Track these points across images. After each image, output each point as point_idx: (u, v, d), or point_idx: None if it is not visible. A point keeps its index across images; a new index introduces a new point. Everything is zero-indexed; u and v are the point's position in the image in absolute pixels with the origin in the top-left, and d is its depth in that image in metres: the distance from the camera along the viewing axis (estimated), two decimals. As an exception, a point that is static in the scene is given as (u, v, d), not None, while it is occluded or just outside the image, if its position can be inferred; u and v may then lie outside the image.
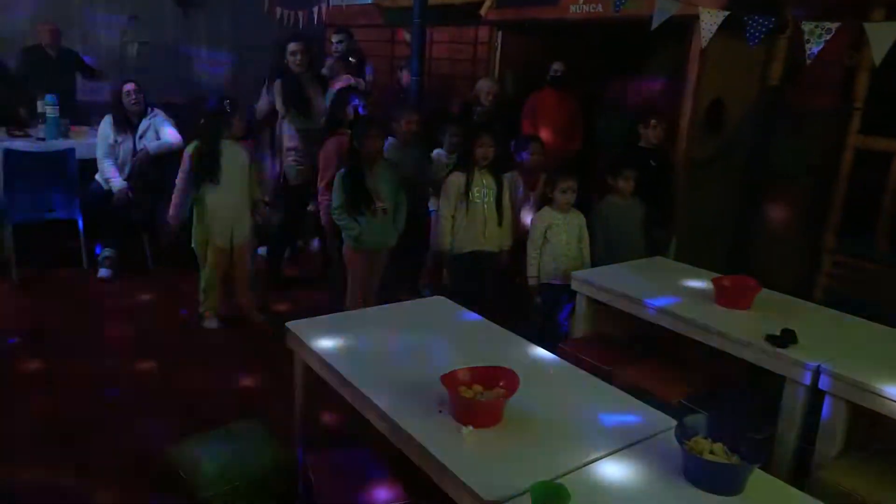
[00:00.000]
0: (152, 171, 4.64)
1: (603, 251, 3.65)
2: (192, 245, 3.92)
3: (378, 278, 3.63)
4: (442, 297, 2.81)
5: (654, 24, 3.25)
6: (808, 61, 3.07)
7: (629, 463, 1.69)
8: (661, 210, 3.91)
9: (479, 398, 1.84)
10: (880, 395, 2.09)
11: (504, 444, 1.74)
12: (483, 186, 3.53)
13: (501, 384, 1.87)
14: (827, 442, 2.26)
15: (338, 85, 4.74)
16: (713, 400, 2.55)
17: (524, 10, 4.79)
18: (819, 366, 2.26)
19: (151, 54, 6.90)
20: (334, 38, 5.30)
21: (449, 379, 1.85)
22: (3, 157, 4.47)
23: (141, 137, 4.60)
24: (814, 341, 2.41)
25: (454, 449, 1.70)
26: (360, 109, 3.77)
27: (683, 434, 1.65)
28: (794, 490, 1.66)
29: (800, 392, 2.33)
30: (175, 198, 3.82)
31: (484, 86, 4.83)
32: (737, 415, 2.41)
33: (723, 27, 3.60)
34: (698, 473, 1.59)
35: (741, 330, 2.54)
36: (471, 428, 1.77)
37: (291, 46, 4.64)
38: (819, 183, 4.13)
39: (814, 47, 3.07)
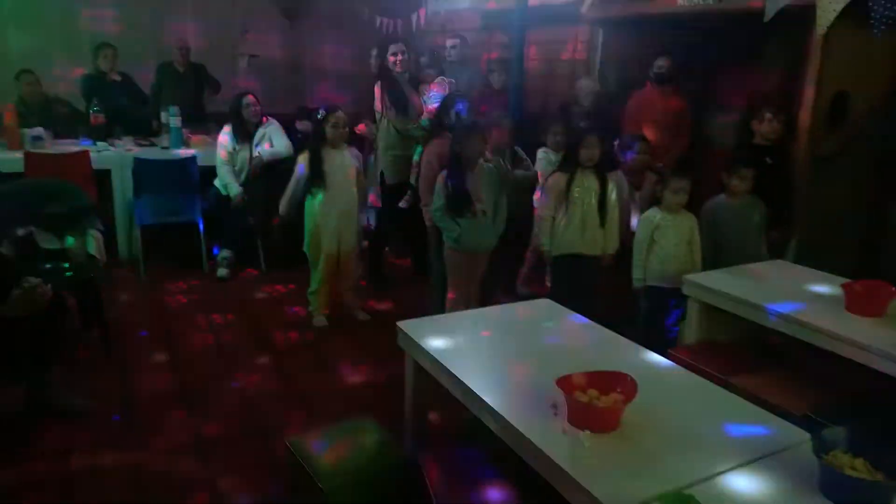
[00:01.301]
0: (266, 177, 4.88)
1: (710, 254, 3.50)
2: (304, 249, 4.09)
3: (478, 280, 3.65)
4: (548, 300, 2.79)
5: (768, 16, 3.09)
6: None
7: (760, 476, 1.60)
8: (778, 210, 3.70)
9: (596, 403, 1.81)
10: None
11: (622, 451, 1.70)
12: (585, 188, 3.48)
13: (619, 390, 1.83)
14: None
15: (434, 88, 4.81)
16: (842, 414, 2.38)
17: (629, 6, 4.67)
18: (968, 380, 2.07)
19: (261, 66, 7.25)
20: (449, 43, 5.38)
21: (565, 383, 1.83)
22: (133, 165, 4.84)
23: (257, 146, 4.85)
24: (962, 353, 2.21)
25: (571, 453, 1.68)
26: (463, 113, 3.79)
27: (822, 447, 1.55)
28: (949, 514, 1.53)
29: (945, 408, 2.14)
30: (285, 196, 4.00)
31: (584, 85, 4.76)
32: (871, 430, 2.24)
33: (847, 16, 3.37)
34: (838, 490, 1.49)
35: (876, 339, 2.36)
36: (588, 433, 1.74)
37: (392, 48, 4.74)
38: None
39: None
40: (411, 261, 5.19)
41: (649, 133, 4.42)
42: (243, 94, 4.85)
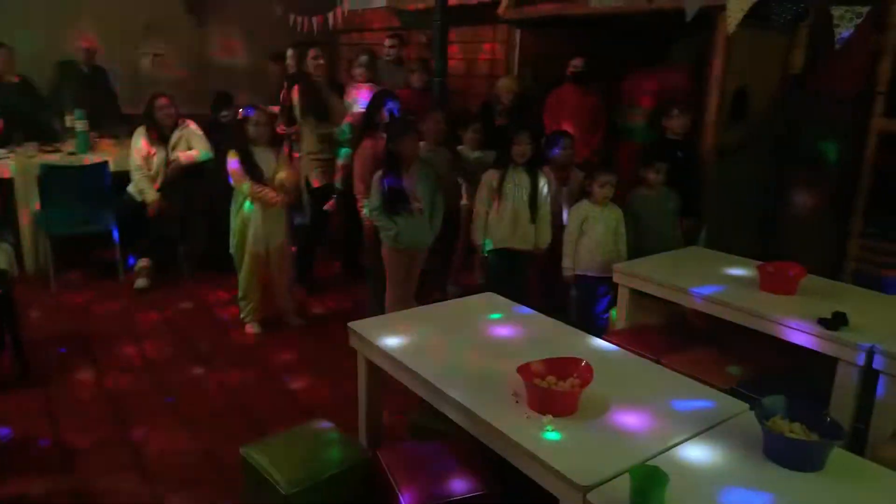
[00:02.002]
0: (185, 181, 4.70)
1: (633, 243, 3.70)
2: (230, 251, 3.98)
3: (416, 278, 3.69)
4: (490, 293, 2.86)
5: (689, 16, 3.28)
6: (837, 46, 3.10)
7: (710, 445, 1.74)
8: (690, 200, 3.96)
9: (555, 388, 1.90)
10: (938, 373, 2.15)
11: (584, 432, 1.80)
12: (517, 184, 3.59)
13: (575, 374, 1.92)
14: (883, 421, 2.31)
15: (362, 91, 4.79)
16: (764, 385, 2.59)
17: (545, 7, 4.83)
18: (872, 346, 2.31)
19: (167, 65, 6.97)
20: (387, 43, 5.35)
21: (525, 370, 1.91)
22: (39, 173, 4.54)
23: (173, 149, 4.66)
24: (866, 322, 2.46)
25: (538, 438, 1.76)
26: (395, 112, 3.82)
27: (763, 414, 1.70)
28: (871, 464, 1.72)
29: (854, 373, 2.38)
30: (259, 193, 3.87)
31: (504, 84, 4.88)
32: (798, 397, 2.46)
33: (745, 17, 3.65)
34: (781, 451, 1.65)
35: (791, 315, 2.59)
36: (550, 417, 1.83)
37: (312, 52, 4.69)
38: (845, 167, 4.17)
39: (843, 32, 3.10)
40: (341, 263, 5.15)
41: (568, 129, 4.60)
42: (156, 96, 4.66)
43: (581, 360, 1.96)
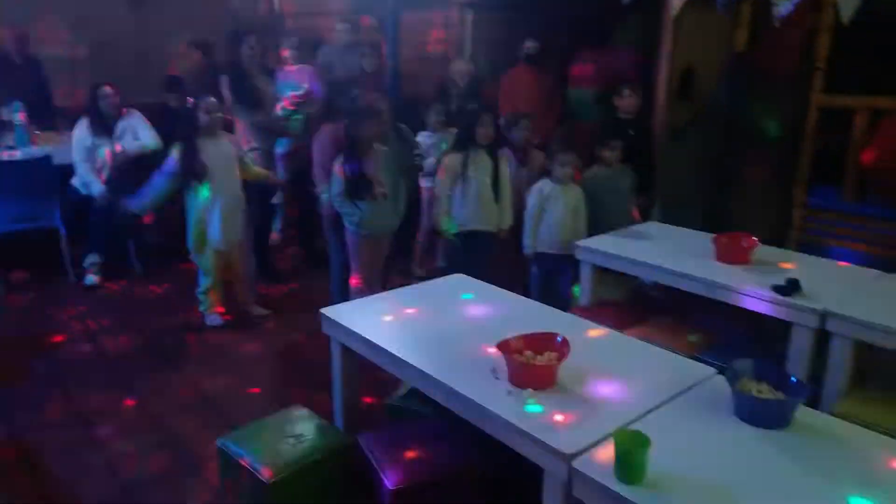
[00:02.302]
0: (132, 173, 4.55)
1: (591, 220, 3.78)
2: (189, 246, 3.89)
3: (381, 263, 3.69)
4: (460, 274, 2.89)
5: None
6: (777, 24, 3.22)
7: (684, 409, 1.82)
8: (643, 177, 4.06)
9: (534, 362, 1.94)
10: (884, 331, 2.28)
11: (564, 403, 1.85)
12: (480, 166, 3.61)
13: (552, 349, 1.97)
14: (836, 380, 2.44)
15: (291, 73, 4.71)
16: (723, 352, 2.71)
17: (494, -10, 4.87)
18: (825, 309, 2.44)
19: (102, 53, 6.68)
20: (339, 27, 5.26)
21: (504, 346, 1.95)
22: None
23: (118, 140, 4.51)
24: (817, 288, 2.59)
25: (520, 411, 1.80)
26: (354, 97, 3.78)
27: (733, 377, 1.79)
28: (832, 418, 1.83)
29: (807, 336, 2.51)
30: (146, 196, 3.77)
31: (459, 67, 4.89)
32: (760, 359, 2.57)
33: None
34: (750, 411, 1.74)
35: (747, 283, 2.71)
36: (530, 390, 1.87)
37: (248, 40, 4.55)
38: (788, 141, 4.35)
39: (782, 9, 3.23)
40: (301, 251, 5.10)
41: (523, 110, 4.65)
42: (99, 85, 4.48)
43: (557, 335, 2.01)
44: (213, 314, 3.98)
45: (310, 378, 3.29)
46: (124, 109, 4.58)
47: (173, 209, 4.08)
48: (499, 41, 5.17)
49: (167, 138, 4.47)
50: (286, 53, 4.88)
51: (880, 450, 1.66)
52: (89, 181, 4.45)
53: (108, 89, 4.44)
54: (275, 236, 5.13)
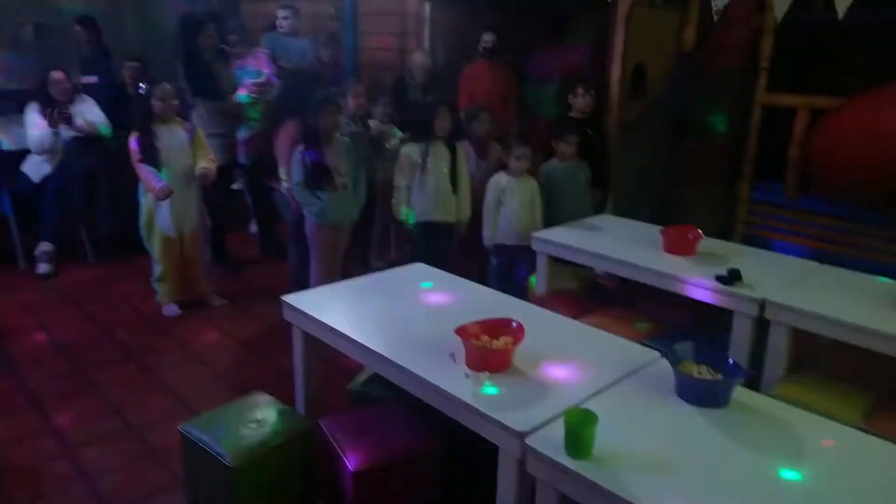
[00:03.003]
0: (85, 159, 4.48)
1: (547, 212, 3.89)
2: (142, 234, 3.86)
3: (342, 253, 3.73)
4: (420, 264, 2.96)
5: None
6: (716, 17, 3.34)
7: (631, 389, 1.93)
8: (597, 172, 4.19)
9: (490, 347, 2.03)
10: (818, 319, 2.44)
11: (518, 385, 1.94)
12: (438, 157, 3.68)
13: (508, 334, 2.06)
14: (775, 365, 2.60)
15: (251, 61, 4.69)
16: (669, 339, 2.85)
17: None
18: (764, 299, 2.59)
19: (49, 35, 6.48)
20: (280, 14, 5.21)
21: (462, 331, 2.03)
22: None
23: (70, 125, 4.42)
24: (757, 278, 2.74)
25: (478, 393, 1.88)
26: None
27: (675, 359, 1.91)
28: (768, 399, 1.97)
29: (748, 323, 2.66)
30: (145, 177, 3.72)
31: (417, 60, 4.93)
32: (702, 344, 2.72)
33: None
34: (691, 391, 1.86)
35: (692, 273, 2.85)
36: (487, 373, 1.96)
37: (205, 28, 4.50)
38: (733, 137, 4.54)
39: (719, 3, 3.36)
40: (258, 238, 5.09)
41: (482, 104, 4.73)
42: (50, 70, 4.38)
43: (512, 321, 2.10)
44: (170, 304, 3.96)
45: (270, 366, 3.32)
46: (76, 95, 4.50)
47: (127, 195, 4.03)
48: (457, 34, 5.23)
49: (121, 123, 4.41)
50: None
51: (812, 429, 1.80)
52: (40, 167, 4.35)
53: (59, 75, 4.35)
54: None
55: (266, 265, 4.73)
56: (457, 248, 4.10)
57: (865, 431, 1.92)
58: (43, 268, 4.43)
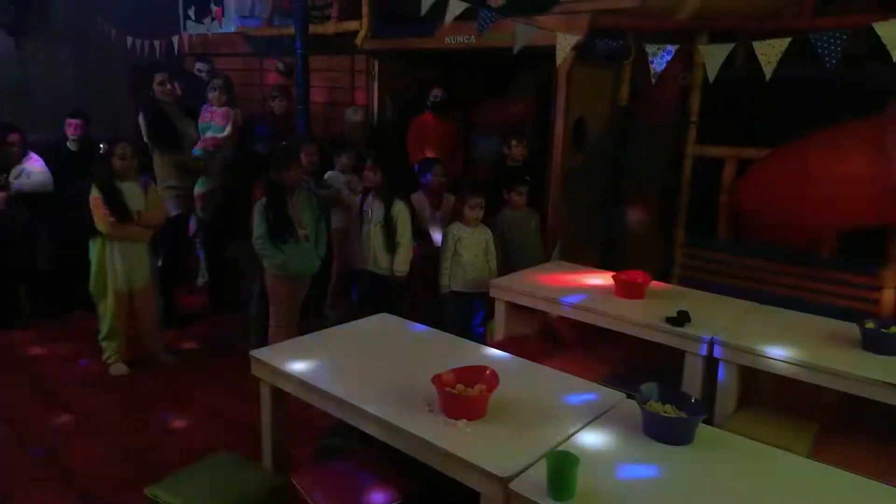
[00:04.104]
0: (26, 215, 4.34)
1: (502, 260, 4.01)
2: (91, 290, 3.75)
3: (299, 304, 3.72)
4: (384, 314, 3.00)
5: (516, 50, 3.64)
6: (654, 79, 3.61)
7: (602, 430, 2.02)
8: (544, 219, 4.36)
9: (465, 394, 2.08)
10: (764, 357, 2.60)
11: (494, 430, 1.99)
12: (374, 209, 3.75)
13: (482, 381, 2.12)
14: (725, 401, 2.75)
15: (216, 114, 4.71)
16: (625, 379, 2.97)
17: (400, 41, 5.09)
18: (713, 338, 2.75)
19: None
20: (199, 66, 5.24)
21: (437, 380, 2.07)
22: None
23: (15, 180, 4.30)
24: (703, 319, 2.90)
25: (456, 440, 1.93)
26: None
27: (642, 399, 2.01)
28: (728, 434, 2.09)
29: (698, 362, 2.81)
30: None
31: (350, 118, 5.04)
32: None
33: (580, 56, 4.14)
34: (658, 429, 1.96)
35: (644, 316, 2.99)
36: (464, 421, 2.01)
37: (158, 76, 4.55)
38: (667, 187, 4.83)
39: (657, 67, 3.64)
40: (209, 295, 4.99)
41: (430, 156, 4.87)
42: (7, 132, 4.29)
43: (486, 368, 2.16)
44: (118, 363, 3.83)
45: (227, 423, 3.25)
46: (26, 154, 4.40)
47: (72, 255, 3.92)
48: (406, 87, 5.39)
49: (65, 178, 4.32)
50: (212, 96, 4.80)
51: (768, 460, 1.92)
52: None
53: (14, 137, 4.29)
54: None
55: (216, 320, 4.64)
56: (408, 299, 4.14)
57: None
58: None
